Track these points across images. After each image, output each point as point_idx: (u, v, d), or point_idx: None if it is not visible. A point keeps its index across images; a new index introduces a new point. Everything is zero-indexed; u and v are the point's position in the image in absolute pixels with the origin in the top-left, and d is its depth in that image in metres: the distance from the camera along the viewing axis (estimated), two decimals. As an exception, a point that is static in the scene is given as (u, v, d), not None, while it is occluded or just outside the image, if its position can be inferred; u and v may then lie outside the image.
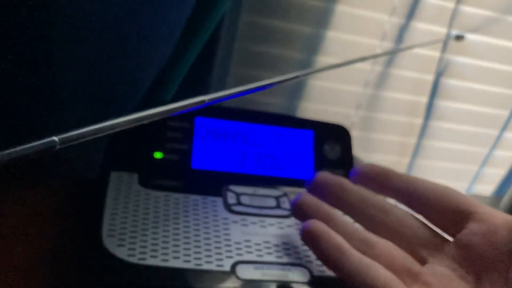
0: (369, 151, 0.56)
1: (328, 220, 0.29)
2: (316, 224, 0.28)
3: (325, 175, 0.32)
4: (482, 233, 0.25)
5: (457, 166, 0.61)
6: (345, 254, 0.26)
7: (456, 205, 0.27)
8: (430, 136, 0.57)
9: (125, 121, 0.24)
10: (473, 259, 0.26)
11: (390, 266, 0.26)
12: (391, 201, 0.30)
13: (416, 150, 0.58)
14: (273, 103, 0.51)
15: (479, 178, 0.63)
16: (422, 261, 0.27)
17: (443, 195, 0.28)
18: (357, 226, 0.30)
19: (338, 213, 0.30)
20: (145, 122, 0.25)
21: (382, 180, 0.30)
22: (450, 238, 0.27)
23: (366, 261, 0.26)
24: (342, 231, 0.28)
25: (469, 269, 0.26)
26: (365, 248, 0.27)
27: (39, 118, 0.37)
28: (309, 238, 0.28)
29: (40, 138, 0.22)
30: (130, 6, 0.34)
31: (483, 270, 0.25)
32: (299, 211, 0.31)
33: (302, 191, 0.37)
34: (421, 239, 0.28)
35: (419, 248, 0.28)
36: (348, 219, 0.30)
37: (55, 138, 0.22)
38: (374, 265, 0.26)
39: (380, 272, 0.25)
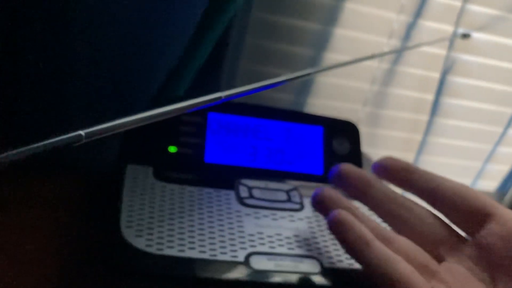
0: (375, 147, 0.57)
1: (351, 213, 0.29)
2: (343, 214, 0.28)
3: (349, 167, 0.33)
4: (500, 235, 0.26)
5: (462, 162, 0.62)
6: (369, 245, 0.27)
7: (476, 205, 0.27)
8: (435, 132, 0.58)
9: (146, 117, 0.25)
10: (489, 260, 0.26)
11: (409, 262, 0.26)
12: (411, 196, 0.31)
13: (421, 146, 0.59)
14: (282, 99, 0.52)
15: (483, 174, 0.63)
16: (440, 259, 0.28)
17: (464, 194, 0.28)
18: (377, 221, 0.30)
19: (358, 208, 0.31)
20: (165, 117, 0.26)
21: (403, 176, 0.31)
22: (469, 238, 0.28)
23: (389, 253, 0.26)
24: (364, 224, 0.29)
25: (485, 269, 0.26)
26: (385, 243, 0.27)
27: (59, 111, 0.38)
28: (336, 227, 0.28)
29: (65, 132, 0.23)
30: (145, 2, 0.35)
31: (499, 271, 0.26)
32: (320, 204, 0.31)
33: (311, 185, 0.38)
34: (440, 237, 0.28)
35: (437, 246, 0.28)
36: (368, 214, 0.30)
37: (81, 132, 0.23)
38: (396, 258, 0.26)
39: (402, 265, 0.25)
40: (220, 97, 0.29)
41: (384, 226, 0.30)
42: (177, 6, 0.38)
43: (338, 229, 0.28)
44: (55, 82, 0.36)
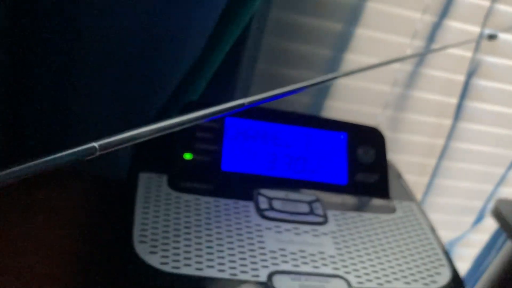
0: (396, 152, 0.55)
1: None
2: None
3: None
4: None
5: (484, 168, 0.60)
6: None
7: None
8: (459, 137, 0.56)
9: (163, 127, 0.23)
10: None
11: None
12: None
13: (444, 152, 0.56)
14: (301, 101, 0.50)
15: (506, 181, 0.61)
16: None
17: None
18: None
19: None
20: (183, 127, 0.24)
21: None
22: None
23: None
24: None
25: None
26: None
27: (72, 118, 0.36)
28: None
29: (79, 144, 0.21)
30: (162, 5, 0.33)
31: None
32: None
33: (335, 196, 0.35)
34: None
35: None
36: None
37: (95, 144, 0.21)
38: None
39: None
40: (243, 104, 0.27)
41: None
42: (194, 7, 0.36)
43: None
44: (65, 90, 0.34)
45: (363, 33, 0.48)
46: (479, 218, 0.64)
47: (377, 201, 0.36)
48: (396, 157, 0.53)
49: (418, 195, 0.58)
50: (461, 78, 0.53)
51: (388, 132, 0.54)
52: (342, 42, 0.48)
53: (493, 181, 0.61)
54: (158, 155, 0.34)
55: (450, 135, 0.55)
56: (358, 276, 0.29)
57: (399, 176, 0.41)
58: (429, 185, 0.59)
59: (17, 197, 0.34)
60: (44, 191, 0.36)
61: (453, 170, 0.58)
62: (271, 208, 0.33)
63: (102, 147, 0.21)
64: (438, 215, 0.60)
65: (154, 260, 0.27)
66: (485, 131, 0.57)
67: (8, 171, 0.18)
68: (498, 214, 0.54)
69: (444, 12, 0.49)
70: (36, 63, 0.33)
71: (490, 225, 0.63)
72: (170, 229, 0.29)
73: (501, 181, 0.61)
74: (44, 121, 0.36)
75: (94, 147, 0.21)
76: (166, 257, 0.27)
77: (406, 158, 0.56)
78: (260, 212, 0.32)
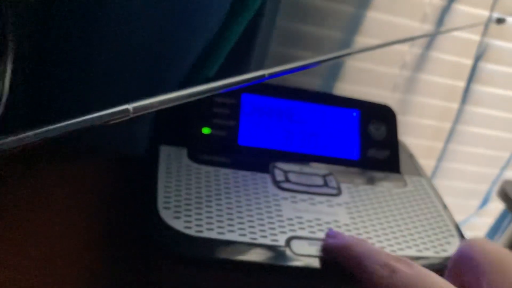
0: (404, 134, 0.56)
1: None
2: None
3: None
4: None
5: (490, 152, 0.61)
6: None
7: None
8: (466, 121, 0.57)
9: (190, 93, 0.25)
10: None
11: None
12: None
13: (450, 135, 0.57)
14: (311, 83, 0.51)
15: (511, 164, 0.62)
16: None
17: None
18: None
19: None
20: (209, 94, 0.25)
21: None
22: None
23: None
24: None
25: None
26: None
27: (102, 84, 0.37)
28: None
29: (113, 106, 0.22)
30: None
31: None
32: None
33: (347, 170, 0.37)
34: None
35: None
36: None
37: (129, 107, 0.22)
38: None
39: None
40: (264, 75, 0.28)
41: None
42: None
43: None
44: (87, 62, 0.36)
45: (374, 16, 0.49)
46: (485, 201, 0.65)
47: (388, 176, 0.37)
48: (404, 139, 0.54)
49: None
50: (469, 62, 0.54)
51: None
52: (353, 25, 0.49)
53: (499, 165, 0.63)
54: (177, 129, 0.35)
55: (457, 119, 0.56)
56: (371, 243, 0.30)
57: (411, 155, 0.42)
58: (436, 168, 0.60)
59: (39, 171, 0.35)
60: (67, 165, 0.37)
61: (460, 153, 0.59)
62: (287, 180, 0.34)
63: (135, 110, 0.22)
64: (444, 198, 0.61)
65: (178, 224, 0.28)
66: (492, 115, 0.58)
67: (43, 129, 0.19)
68: (504, 195, 0.55)
69: (453, -4, 0.50)
70: (59, 38, 0.34)
71: (496, 208, 0.64)
72: (192, 197, 0.30)
73: (507, 164, 0.63)
74: (65, 92, 0.37)
75: (127, 109, 0.22)
76: (189, 221, 0.28)
77: (414, 140, 0.57)
78: (277, 183, 0.33)
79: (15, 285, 0.27)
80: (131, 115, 0.22)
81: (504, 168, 0.63)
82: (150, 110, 0.22)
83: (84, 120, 0.20)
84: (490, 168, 0.62)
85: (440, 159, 0.59)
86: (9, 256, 0.28)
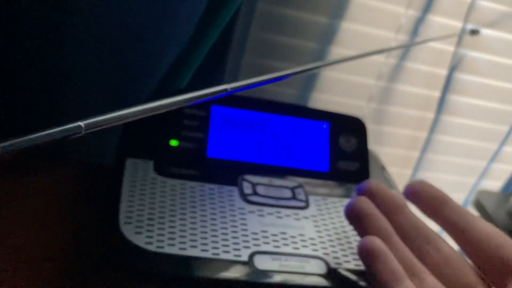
0: (379, 144, 0.56)
1: (385, 238, 0.27)
2: (378, 244, 0.26)
3: (377, 186, 0.30)
4: None
5: (467, 161, 0.61)
6: (400, 283, 0.25)
7: (508, 259, 0.25)
8: (441, 130, 0.57)
9: (148, 108, 0.24)
10: None
11: None
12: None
13: (426, 144, 0.58)
14: (286, 93, 0.51)
15: (488, 173, 0.62)
16: None
17: (498, 242, 0.26)
18: (409, 253, 0.28)
19: (393, 232, 0.28)
20: (168, 109, 0.25)
21: (434, 206, 0.29)
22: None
23: None
24: (396, 254, 0.27)
25: None
26: (413, 279, 0.26)
27: (57, 105, 0.36)
28: (369, 256, 0.26)
29: (64, 123, 0.21)
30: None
31: None
32: (354, 217, 0.29)
33: (316, 182, 0.37)
34: (463, 283, 0.26)
35: None
36: (400, 241, 0.28)
37: (81, 124, 0.22)
38: None
39: None
40: (226, 89, 0.27)
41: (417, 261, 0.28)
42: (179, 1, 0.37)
43: (371, 260, 0.26)
44: (52, 78, 0.35)
45: (349, 26, 0.50)
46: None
47: (357, 188, 0.37)
48: (380, 149, 0.55)
49: (402, 187, 0.59)
50: (443, 72, 0.54)
51: (373, 124, 0.56)
52: (328, 36, 0.49)
53: (475, 174, 0.63)
54: (144, 141, 0.35)
55: (432, 128, 0.57)
56: (337, 258, 0.30)
57: (382, 168, 0.42)
58: (412, 177, 0.60)
59: (6, 183, 0.35)
60: (31, 176, 0.36)
61: (436, 162, 0.60)
62: (255, 193, 0.34)
63: (87, 126, 0.21)
64: (421, 218, 0.62)
65: (139, 240, 0.27)
66: (467, 124, 0.58)
67: None
68: (479, 205, 0.55)
69: (428, 7, 0.51)
70: (23, 45, 0.33)
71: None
72: (155, 211, 0.30)
73: (483, 173, 0.63)
74: (32, 103, 0.36)
75: (80, 126, 0.21)
76: (151, 237, 0.28)
77: (390, 150, 0.57)
78: (244, 196, 0.33)
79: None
80: (83, 132, 0.21)
81: (480, 177, 0.63)
82: (104, 127, 0.22)
83: (36, 137, 0.20)
84: (467, 177, 0.63)
85: (416, 168, 0.59)
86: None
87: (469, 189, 0.64)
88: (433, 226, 0.29)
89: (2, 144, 0.19)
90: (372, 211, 0.29)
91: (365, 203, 0.29)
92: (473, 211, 0.56)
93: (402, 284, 0.25)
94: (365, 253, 0.27)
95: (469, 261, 0.27)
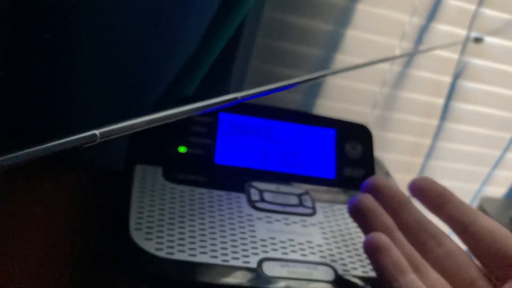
0: (384, 150, 0.57)
1: (387, 234, 0.28)
2: (382, 239, 0.27)
3: (383, 182, 0.31)
4: None
5: (470, 168, 0.61)
6: (404, 275, 0.26)
7: (510, 254, 0.26)
8: (445, 137, 0.57)
9: (160, 117, 0.25)
10: None
11: None
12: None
13: (430, 151, 0.58)
14: (292, 100, 0.51)
15: (491, 180, 0.63)
16: None
17: (501, 238, 0.27)
18: (412, 248, 0.28)
19: (396, 228, 0.29)
20: (179, 118, 0.25)
21: (438, 202, 0.29)
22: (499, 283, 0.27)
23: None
24: (400, 249, 0.27)
25: None
26: (416, 274, 0.26)
27: (67, 112, 0.37)
28: (373, 251, 0.27)
29: (75, 129, 0.22)
30: (159, 3, 0.34)
31: None
32: (357, 214, 0.30)
33: (323, 189, 0.37)
34: (470, 279, 0.27)
35: (462, 286, 0.27)
36: (403, 237, 0.29)
37: (96, 132, 0.22)
38: None
39: None
40: (235, 98, 0.28)
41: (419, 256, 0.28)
42: (189, 5, 0.38)
43: (375, 254, 0.27)
44: (62, 83, 0.36)
45: (353, 34, 0.50)
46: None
47: (363, 195, 0.38)
48: (384, 155, 0.55)
49: (405, 193, 0.60)
50: (447, 79, 0.55)
51: (377, 131, 0.56)
52: (333, 43, 0.50)
53: (478, 180, 0.63)
54: (153, 148, 0.35)
55: (436, 135, 0.57)
56: (344, 264, 0.30)
57: (387, 173, 0.43)
58: (416, 184, 0.60)
59: (15, 188, 0.35)
60: (41, 182, 0.37)
61: (439, 169, 0.60)
62: (262, 200, 0.34)
63: (102, 135, 0.22)
64: (425, 213, 0.62)
65: (149, 246, 0.28)
66: (470, 131, 0.59)
67: (10, 155, 0.19)
68: (482, 211, 0.56)
69: (432, 15, 0.51)
70: (35, 53, 0.34)
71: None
72: (165, 217, 0.30)
73: (486, 180, 0.63)
74: (42, 112, 0.37)
75: (95, 134, 0.22)
76: (161, 243, 0.28)
77: (394, 156, 0.58)
78: (252, 203, 0.34)
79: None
80: (99, 140, 0.22)
81: (483, 183, 0.63)
82: (118, 135, 0.23)
83: (52, 146, 0.21)
84: (470, 184, 0.63)
85: (420, 174, 0.59)
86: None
87: (472, 196, 0.64)
88: (437, 222, 0.30)
89: (18, 154, 0.19)
90: (374, 207, 0.30)
91: (368, 200, 0.30)
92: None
93: (407, 277, 0.25)
94: (370, 248, 0.27)
95: (472, 257, 0.28)
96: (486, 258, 0.27)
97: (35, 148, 0.20)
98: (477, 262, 0.28)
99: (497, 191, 0.64)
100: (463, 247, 0.28)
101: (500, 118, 0.58)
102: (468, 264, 0.27)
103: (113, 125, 0.22)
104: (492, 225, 0.27)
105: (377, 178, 0.32)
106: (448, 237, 0.28)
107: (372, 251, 0.27)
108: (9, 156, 0.19)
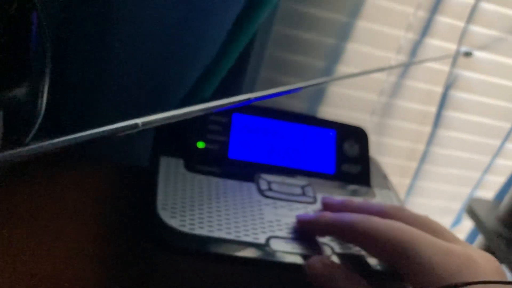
0: (381, 154, 0.61)
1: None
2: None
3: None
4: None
5: (461, 173, 0.66)
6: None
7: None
8: (437, 143, 0.62)
9: (188, 112, 0.30)
10: None
11: None
12: None
13: (424, 156, 0.63)
14: (297, 106, 0.56)
15: (482, 184, 0.67)
16: None
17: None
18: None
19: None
20: (201, 113, 0.30)
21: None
22: None
23: None
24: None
25: None
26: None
27: (97, 109, 0.42)
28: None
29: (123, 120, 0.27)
30: (185, 16, 0.39)
31: None
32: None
33: (324, 182, 0.42)
34: None
35: None
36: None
37: (138, 121, 0.27)
38: None
39: None
40: (249, 98, 0.33)
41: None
42: (208, 21, 0.43)
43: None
44: (97, 86, 0.41)
45: (354, 47, 0.55)
46: (458, 220, 0.70)
47: (359, 188, 0.42)
48: (381, 159, 0.60)
49: (401, 195, 0.64)
50: (439, 89, 0.60)
51: (375, 136, 0.61)
52: (335, 55, 0.55)
53: (470, 184, 0.68)
54: (176, 143, 0.40)
55: (429, 141, 0.62)
56: (341, 244, 0.35)
57: (384, 177, 0.47)
58: (410, 187, 0.65)
59: (53, 173, 0.40)
60: (75, 172, 0.42)
61: (433, 173, 0.64)
62: (270, 189, 0.39)
63: (144, 123, 0.27)
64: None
65: (174, 223, 0.33)
66: (461, 138, 0.63)
67: (58, 140, 0.23)
68: (472, 213, 0.60)
69: (425, 30, 0.56)
70: (76, 61, 0.39)
71: (468, 226, 0.69)
72: (186, 200, 0.35)
73: (478, 184, 0.68)
74: (79, 112, 0.42)
75: (137, 124, 0.27)
76: (184, 221, 0.33)
77: (390, 160, 0.62)
78: (261, 191, 0.38)
79: (29, 277, 0.32)
80: (140, 128, 0.27)
81: (475, 187, 0.68)
82: (154, 125, 0.28)
83: (98, 132, 0.25)
84: (462, 188, 0.68)
85: (414, 178, 0.64)
86: (27, 245, 0.33)
87: (464, 199, 0.68)
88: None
89: (65, 138, 0.24)
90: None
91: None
92: (467, 218, 0.61)
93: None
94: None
95: None
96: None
97: (81, 134, 0.24)
98: None
99: (487, 194, 0.69)
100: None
101: (489, 126, 0.63)
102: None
103: (151, 116, 0.27)
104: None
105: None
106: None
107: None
108: (60, 139, 0.23)
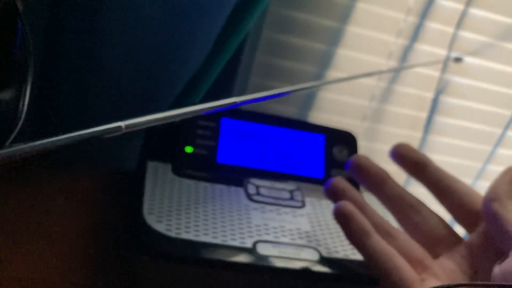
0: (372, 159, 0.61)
1: (359, 207, 0.33)
2: (348, 206, 0.32)
3: (366, 160, 0.36)
4: (484, 235, 0.30)
5: (453, 178, 0.66)
6: (369, 236, 0.30)
7: (477, 208, 0.31)
8: (428, 149, 0.62)
9: (176, 114, 0.30)
10: (473, 256, 0.30)
11: (406, 256, 0.30)
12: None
13: (415, 161, 0.63)
14: (287, 111, 0.56)
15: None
16: (436, 256, 0.32)
17: (472, 200, 0.32)
18: (381, 216, 0.34)
19: (367, 202, 0.34)
20: (187, 117, 0.30)
21: (418, 167, 0.35)
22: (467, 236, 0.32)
23: (386, 246, 0.30)
24: (370, 219, 0.32)
25: (470, 265, 0.30)
26: (387, 239, 0.31)
27: (86, 112, 0.42)
28: (340, 216, 0.32)
29: (107, 121, 0.26)
30: (175, 18, 0.39)
31: (480, 266, 0.30)
32: (331, 192, 0.35)
33: (312, 186, 0.42)
34: (439, 237, 0.32)
35: (436, 244, 0.32)
36: (375, 209, 0.34)
37: (121, 124, 0.27)
38: (392, 251, 0.30)
39: (395, 258, 0.30)
40: (235, 102, 0.33)
41: (387, 220, 0.34)
42: (197, 26, 0.43)
43: (342, 219, 0.32)
44: (88, 86, 0.41)
45: (344, 53, 0.55)
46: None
47: (348, 193, 0.42)
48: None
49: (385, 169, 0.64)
50: (430, 95, 0.60)
51: (366, 141, 0.61)
52: (325, 61, 0.55)
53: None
54: (164, 147, 0.40)
55: (420, 146, 0.62)
56: (328, 248, 0.35)
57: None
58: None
59: (39, 178, 0.40)
60: (62, 176, 0.41)
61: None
62: (258, 194, 0.39)
63: (127, 126, 0.27)
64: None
65: (160, 227, 0.32)
66: (452, 143, 0.63)
67: (38, 142, 0.22)
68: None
69: (415, 36, 0.57)
70: (66, 60, 0.39)
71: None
72: (173, 205, 0.35)
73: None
74: (69, 111, 0.42)
75: (120, 126, 0.27)
76: (170, 225, 0.33)
77: (382, 165, 0.62)
78: (249, 196, 0.38)
79: (16, 281, 0.31)
80: (123, 131, 0.27)
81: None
82: (139, 128, 0.27)
83: (80, 135, 0.25)
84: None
85: (405, 183, 0.64)
86: (14, 250, 0.33)
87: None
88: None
89: (47, 140, 0.23)
90: (346, 186, 0.34)
91: (341, 181, 0.35)
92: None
93: (371, 238, 0.30)
94: (337, 214, 0.32)
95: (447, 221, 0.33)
96: (461, 215, 0.32)
97: (64, 136, 0.24)
98: (449, 224, 0.33)
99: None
100: (441, 210, 0.33)
101: (479, 131, 0.63)
102: (441, 226, 0.32)
103: (136, 118, 0.27)
104: (466, 188, 0.33)
105: (359, 157, 0.36)
106: (424, 205, 0.33)
107: (340, 217, 0.32)
108: (42, 142, 0.23)
